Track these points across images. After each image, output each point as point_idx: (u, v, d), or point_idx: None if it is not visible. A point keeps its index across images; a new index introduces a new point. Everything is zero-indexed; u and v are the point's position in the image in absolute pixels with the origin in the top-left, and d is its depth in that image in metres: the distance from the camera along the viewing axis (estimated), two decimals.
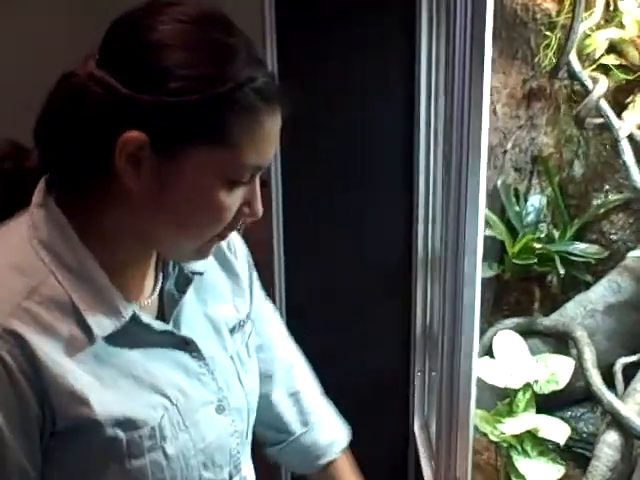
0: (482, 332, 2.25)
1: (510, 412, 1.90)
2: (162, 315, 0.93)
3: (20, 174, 0.88)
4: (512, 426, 1.83)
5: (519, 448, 1.85)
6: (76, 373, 0.81)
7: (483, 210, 1.63)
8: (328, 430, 1.21)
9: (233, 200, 0.83)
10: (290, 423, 1.17)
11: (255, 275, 1.10)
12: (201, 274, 0.96)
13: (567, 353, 2.19)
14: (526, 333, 2.32)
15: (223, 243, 1.00)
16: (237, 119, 0.79)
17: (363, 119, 2.12)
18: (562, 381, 1.92)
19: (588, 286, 2.33)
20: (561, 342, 2.26)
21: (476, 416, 1.89)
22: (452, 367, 1.77)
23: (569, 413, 2.42)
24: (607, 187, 2.39)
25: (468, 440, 1.81)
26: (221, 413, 0.94)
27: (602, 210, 2.37)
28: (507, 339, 1.95)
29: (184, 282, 0.94)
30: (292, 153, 1.93)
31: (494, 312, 2.34)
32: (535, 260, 2.13)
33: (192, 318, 0.94)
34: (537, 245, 2.13)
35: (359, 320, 2.22)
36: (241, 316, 1.02)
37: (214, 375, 0.94)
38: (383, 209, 2.16)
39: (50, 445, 0.83)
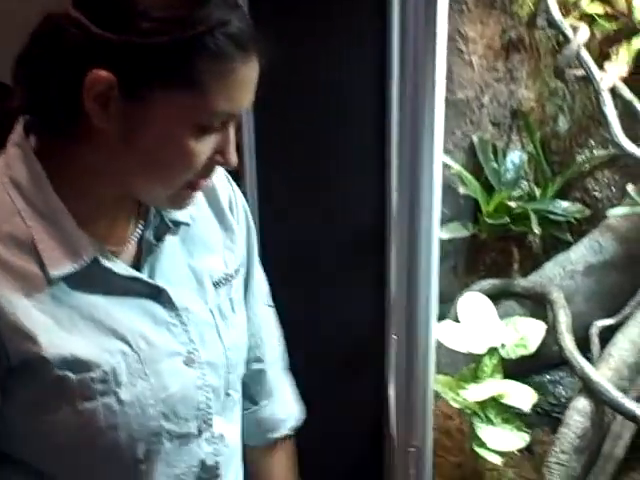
0: (457, 294, 2.17)
1: (475, 378, 1.84)
2: (139, 263, 0.93)
3: (3, 114, 0.89)
4: (475, 392, 1.76)
5: (482, 415, 1.79)
6: (28, 311, 0.82)
7: (440, 163, 1.55)
8: (286, 405, 1.21)
9: (204, 147, 0.83)
10: (257, 393, 1.17)
11: (254, 240, 1.11)
12: (186, 224, 0.96)
13: (544, 315, 2.12)
14: (503, 295, 2.24)
15: (224, 200, 1.01)
16: (207, 65, 0.78)
17: (336, 77, 2.03)
18: (532, 345, 1.85)
19: (570, 246, 2.25)
20: (539, 304, 2.18)
21: (437, 381, 1.82)
22: (410, 330, 1.71)
23: (548, 377, 2.35)
24: (592, 143, 2.28)
25: (426, 407, 1.74)
26: (189, 365, 0.93)
27: (586, 167, 2.27)
28: (473, 301, 1.87)
29: (164, 231, 0.94)
30: (264, 111, 1.86)
31: (470, 273, 2.26)
32: (508, 220, 2.03)
33: (171, 268, 0.94)
34: (512, 204, 2.03)
35: (331, 280, 2.15)
36: (229, 270, 1.01)
37: (186, 327, 0.93)
38: (355, 167, 2.07)
39: (8, 382, 0.84)
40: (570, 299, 2.17)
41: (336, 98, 2.03)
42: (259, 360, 1.15)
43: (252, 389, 1.16)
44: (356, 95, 2.02)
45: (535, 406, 2.40)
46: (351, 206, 2.08)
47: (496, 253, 2.27)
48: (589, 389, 1.85)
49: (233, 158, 0.87)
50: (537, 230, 2.01)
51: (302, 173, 2.06)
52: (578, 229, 2.29)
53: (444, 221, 2.21)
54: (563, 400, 2.25)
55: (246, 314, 1.09)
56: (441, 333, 1.77)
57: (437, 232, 1.62)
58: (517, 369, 2.09)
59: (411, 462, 1.78)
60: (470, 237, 2.21)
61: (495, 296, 2.24)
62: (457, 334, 1.80)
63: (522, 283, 2.18)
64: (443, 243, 2.28)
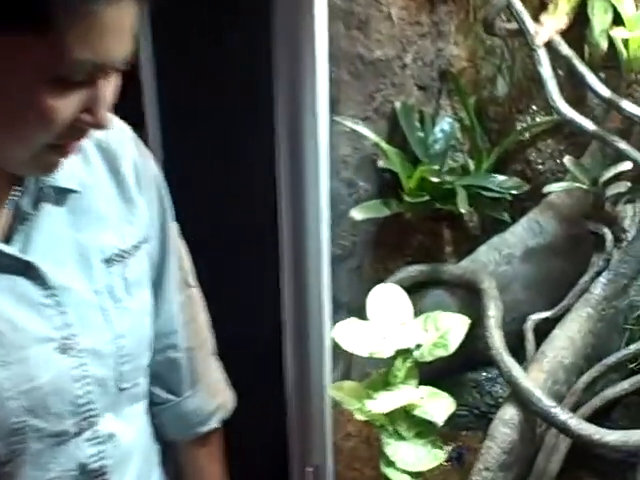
0: (379, 282, 1.90)
1: (386, 384, 1.57)
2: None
3: None
4: (380, 403, 1.50)
5: (390, 429, 1.53)
6: None
7: (326, 128, 1.28)
8: (214, 396, 1.11)
9: (65, 104, 0.73)
10: (179, 382, 1.07)
11: (169, 213, 1.01)
12: (74, 192, 0.86)
13: (477, 307, 1.85)
14: (432, 283, 1.98)
15: (127, 166, 0.92)
16: (59, 3, 0.67)
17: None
18: (452, 344, 1.58)
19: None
20: (472, 294, 1.92)
21: (341, 389, 1.56)
22: (300, 331, 1.44)
23: (484, 374, 2.11)
24: (534, 108, 2.01)
25: (324, 420, 1.49)
26: (64, 353, 0.84)
27: (526, 135, 2.00)
28: (386, 294, 1.60)
29: (44, 199, 0.84)
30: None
31: (395, 258, 1.99)
32: (429, 197, 1.76)
33: (51, 241, 0.85)
34: (435, 179, 1.75)
35: (222, 276, 1.83)
36: (125, 246, 0.92)
37: (63, 308, 0.84)
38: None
39: None
40: (506, 287, 1.91)
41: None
42: (173, 347, 1.04)
43: (169, 379, 1.06)
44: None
45: (471, 407, 2.16)
46: (245, 200, 1.77)
47: (424, 235, 2.00)
48: (517, 397, 1.59)
49: (104, 118, 0.76)
50: (464, 209, 1.73)
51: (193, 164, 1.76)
52: (520, 207, 2.02)
53: (365, 199, 1.94)
54: (501, 400, 1.99)
55: (158, 297, 1.00)
56: (340, 334, 1.50)
57: (326, 217, 1.35)
58: (449, 366, 1.84)
59: None
60: (395, 217, 1.93)
61: (422, 284, 1.98)
62: (361, 334, 1.53)
63: (452, 270, 1.92)
64: (363, 224, 2.02)
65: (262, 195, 1.49)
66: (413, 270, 1.94)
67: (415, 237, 1.99)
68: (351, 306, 1.87)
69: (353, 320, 1.57)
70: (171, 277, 1.03)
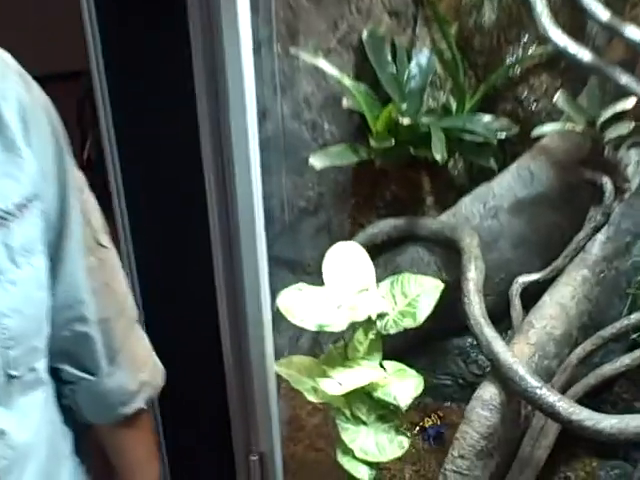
0: (349, 238, 1.67)
1: (346, 360, 1.35)
2: None
3: None
4: (337, 382, 1.27)
5: (347, 412, 1.31)
6: None
7: (251, 71, 1.05)
8: (137, 372, 1.00)
9: None
10: (94, 358, 0.96)
11: (69, 164, 0.87)
12: None
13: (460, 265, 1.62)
14: (408, 239, 1.74)
15: (9, 108, 0.79)
16: None
17: None
18: (422, 313, 1.35)
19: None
20: (452, 251, 1.68)
21: (289, 366, 1.35)
22: (235, 303, 1.22)
23: (470, 340, 1.87)
24: (526, 38, 1.75)
25: (268, 402, 1.28)
26: None
27: (517, 70, 1.74)
28: (344, 255, 1.37)
29: None
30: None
31: (366, 212, 1.76)
32: (397, 142, 1.51)
33: None
34: (405, 120, 1.50)
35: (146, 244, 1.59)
36: (5, 205, 0.80)
37: None
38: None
39: None
40: (492, 244, 1.67)
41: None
42: (80, 320, 0.93)
43: (81, 355, 0.95)
44: None
45: (456, 376, 1.94)
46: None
47: (400, 186, 1.76)
48: (498, 374, 1.36)
49: None
50: (440, 156, 1.49)
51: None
52: (510, 153, 1.78)
53: (332, 144, 1.70)
54: (488, 370, 1.77)
55: (57, 262, 0.89)
56: (286, 303, 1.28)
57: (256, 160, 1.12)
58: (429, 332, 1.61)
59: (254, 473, 1.32)
60: (367, 165, 1.69)
61: (398, 241, 1.75)
62: (311, 303, 1.30)
63: (428, 224, 1.68)
64: (330, 173, 1.78)
65: (185, 142, 1.25)
66: (386, 225, 1.71)
67: (389, 188, 1.75)
68: (317, 267, 1.65)
69: (302, 286, 1.33)
70: (73, 238, 0.90)
